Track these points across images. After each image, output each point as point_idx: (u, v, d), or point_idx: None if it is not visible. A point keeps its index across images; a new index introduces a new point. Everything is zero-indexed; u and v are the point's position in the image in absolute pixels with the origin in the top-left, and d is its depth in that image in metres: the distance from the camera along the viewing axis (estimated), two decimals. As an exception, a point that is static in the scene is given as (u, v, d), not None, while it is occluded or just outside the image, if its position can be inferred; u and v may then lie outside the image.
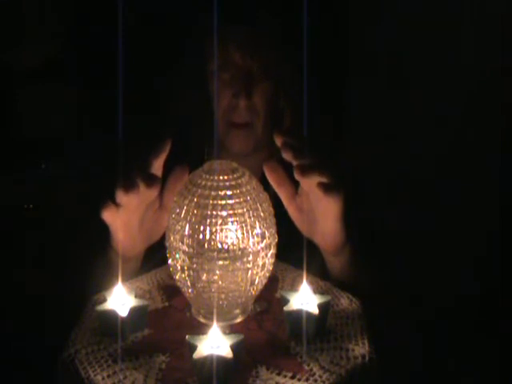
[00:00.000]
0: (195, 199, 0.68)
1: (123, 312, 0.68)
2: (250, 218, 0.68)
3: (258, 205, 0.69)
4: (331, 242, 0.81)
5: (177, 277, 0.70)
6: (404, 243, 1.03)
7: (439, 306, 1.27)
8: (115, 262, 0.81)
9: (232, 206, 0.67)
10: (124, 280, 0.72)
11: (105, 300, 0.70)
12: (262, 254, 0.69)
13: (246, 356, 0.64)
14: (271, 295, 0.76)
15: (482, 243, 1.41)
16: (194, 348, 0.61)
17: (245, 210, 0.68)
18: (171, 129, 0.95)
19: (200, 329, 0.67)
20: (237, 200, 0.67)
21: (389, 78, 1.48)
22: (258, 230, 0.68)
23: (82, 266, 0.89)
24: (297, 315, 0.67)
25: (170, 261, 0.71)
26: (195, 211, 0.67)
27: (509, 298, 1.35)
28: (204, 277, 0.68)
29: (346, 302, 0.75)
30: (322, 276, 0.80)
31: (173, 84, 1.08)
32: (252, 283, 0.69)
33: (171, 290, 0.77)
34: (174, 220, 0.69)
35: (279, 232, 0.71)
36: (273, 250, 0.71)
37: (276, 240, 0.71)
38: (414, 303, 0.98)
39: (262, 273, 0.70)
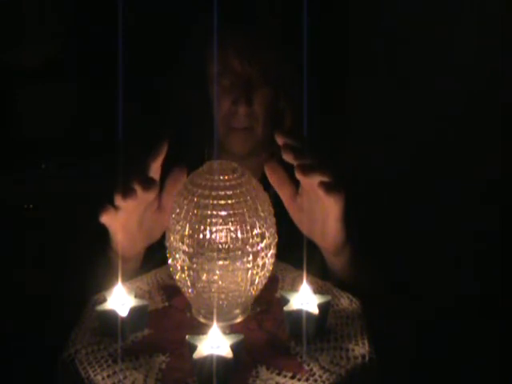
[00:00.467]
0: (195, 199, 0.68)
1: (123, 312, 0.68)
2: (249, 217, 0.68)
3: (258, 205, 0.69)
4: (331, 242, 0.81)
5: (177, 277, 0.70)
6: (404, 243, 1.03)
7: (439, 306, 1.27)
8: (115, 262, 0.81)
9: (232, 206, 0.67)
10: (124, 280, 0.72)
11: (105, 300, 0.70)
12: (262, 254, 0.69)
13: (246, 356, 0.64)
14: (271, 295, 0.76)
15: (482, 243, 1.41)
16: (193, 348, 0.61)
17: (245, 210, 0.68)
18: (169, 130, 0.95)
19: (200, 329, 0.67)
20: (237, 200, 0.67)
21: (389, 78, 1.48)
22: (257, 230, 0.68)
23: (82, 266, 0.89)
24: (297, 315, 0.67)
25: (170, 261, 0.71)
26: (195, 211, 0.67)
27: (509, 298, 1.35)
28: (204, 277, 0.68)
29: (346, 302, 0.75)
30: (322, 276, 0.80)
31: (173, 84, 1.07)
32: (252, 283, 0.69)
33: (171, 290, 0.77)
34: (174, 220, 0.69)
35: (279, 232, 0.71)
36: (273, 250, 0.71)
37: (276, 240, 0.71)
38: (413, 303, 0.98)
39: (262, 273, 0.70)
